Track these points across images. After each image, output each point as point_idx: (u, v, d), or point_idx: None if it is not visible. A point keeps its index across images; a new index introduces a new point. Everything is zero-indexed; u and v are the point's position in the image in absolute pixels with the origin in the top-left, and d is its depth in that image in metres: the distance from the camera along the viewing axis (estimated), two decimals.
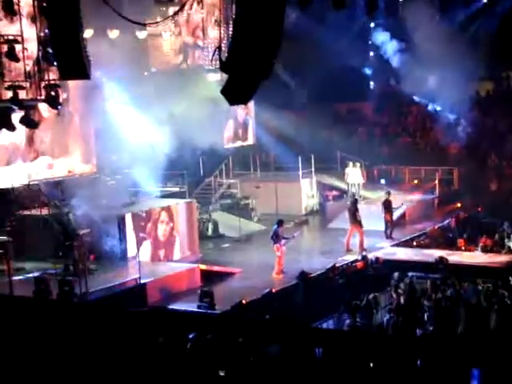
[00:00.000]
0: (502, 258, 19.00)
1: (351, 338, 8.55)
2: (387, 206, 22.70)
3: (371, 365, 7.59)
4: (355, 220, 21.16)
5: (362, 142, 30.51)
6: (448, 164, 28.63)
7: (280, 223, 19.15)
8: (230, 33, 6.93)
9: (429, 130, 31.25)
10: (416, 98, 30.67)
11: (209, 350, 7.87)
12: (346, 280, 17.15)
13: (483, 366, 6.65)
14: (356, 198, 23.28)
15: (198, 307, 15.87)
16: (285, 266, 18.62)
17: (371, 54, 32.54)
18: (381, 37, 30.38)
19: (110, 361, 7.47)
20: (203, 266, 19.24)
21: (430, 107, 30.33)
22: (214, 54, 7.92)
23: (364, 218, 21.46)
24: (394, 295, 16.03)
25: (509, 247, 21.04)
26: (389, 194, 23.05)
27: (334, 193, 27.45)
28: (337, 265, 18.50)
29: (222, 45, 6.97)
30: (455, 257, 19.55)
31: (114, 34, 21.09)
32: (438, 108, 29.99)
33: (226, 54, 6.59)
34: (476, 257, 20.05)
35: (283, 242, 18.76)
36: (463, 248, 21.21)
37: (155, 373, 7.33)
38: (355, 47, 28.82)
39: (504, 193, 26.68)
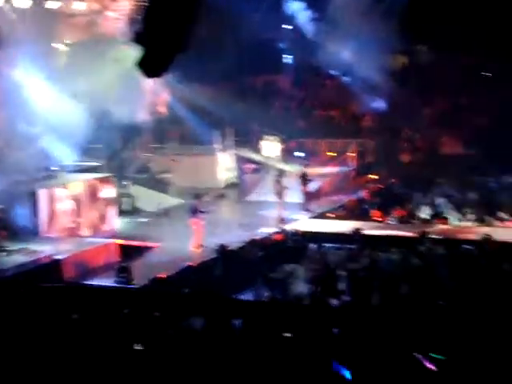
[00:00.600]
0: (414, 228, 19.52)
1: (269, 309, 8.71)
2: (303, 179, 23.01)
3: (289, 334, 7.74)
4: (280, 192, 21.47)
5: (278, 115, 30.66)
6: (363, 136, 29.16)
7: (197, 197, 19.13)
8: (144, 3, 6.84)
9: (344, 103, 31.65)
10: (332, 72, 30.94)
11: (125, 325, 7.84)
12: (265, 252, 17.31)
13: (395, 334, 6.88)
14: (282, 170, 23.46)
15: (115, 282, 15.73)
16: (203, 240, 18.63)
17: (286, 26, 32.52)
18: (295, 6, 30.35)
19: (25, 336, 7.36)
20: (120, 241, 19.05)
21: (345, 80, 30.64)
22: (127, 26, 7.81)
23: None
24: (312, 266, 16.33)
25: (420, 217, 21.73)
26: (305, 166, 23.35)
27: (252, 166, 27.58)
28: (255, 237, 18.64)
29: (136, 16, 6.90)
30: (370, 228, 20.04)
31: (25, 3, 20.33)
32: (353, 80, 30.32)
33: (140, 26, 6.50)
34: (390, 227, 20.58)
35: (201, 215, 18.75)
36: (378, 219, 21.75)
37: (70, 348, 7.26)
38: (271, 19, 28.81)
39: (416, 165, 27.45)
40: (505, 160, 25.69)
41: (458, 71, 28.54)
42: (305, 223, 21.11)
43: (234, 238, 18.99)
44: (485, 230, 18.90)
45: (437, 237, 18.00)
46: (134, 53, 6.86)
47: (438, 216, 21.56)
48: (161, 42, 6.32)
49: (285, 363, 7.13)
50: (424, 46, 31.25)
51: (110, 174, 22.18)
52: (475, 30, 27.47)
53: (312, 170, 24.78)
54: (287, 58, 33.11)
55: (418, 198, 23.34)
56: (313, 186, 24.23)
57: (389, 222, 21.30)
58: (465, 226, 20.47)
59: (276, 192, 21.59)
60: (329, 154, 28.93)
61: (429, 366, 6.47)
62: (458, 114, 29.31)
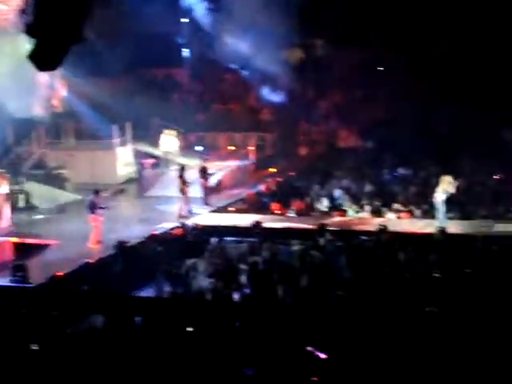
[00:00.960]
0: (313, 220, 19.85)
1: (171, 305, 8.66)
2: (203, 173, 22.99)
3: (191, 329, 7.72)
4: (183, 187, 21.38)
5: (177, 109, 30.48)
6: (262, 130, 29.39)
7: (96, 193, 18.81)
8: None
9: (243, 97, 31.81)
10: (230, 65, 31.00)
11: (22, 325, 7.63)
12: (165, 248, 17.21)
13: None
14: (183, 164, 23.30)
15: (11, 282, 15.25)
16: (102, 236, 18.35)
17: (184, 19, 32.37)
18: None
19: None
20: (15, 239, 18.47)
21: (243, 73, 30.76)
22: (18, 18, 7.56)
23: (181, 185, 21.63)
24: (212, 260, 16.35)
25: (319, 209, 22.13)
26: (205, 160, 23.32)
27: (151, 161, 27.31)
28: (155, 233, 18.50)
29: (27, 7, 6.66)
30: (270, 221, 20.25)
31: None
32: (251, 74, 30.47)
33: (31, 17, 6.29)
34: (290, 220, 20.86)
35: (100, 211, 18.46)
36: (278, 212, 21.99)
37: None
38: (168, 11, 28.56)
39: (314, 157, 27.92)
40: (399, 152, 26.55)
41: (353, 65, 29.17)
42: (205, 217, 21.10)
43: (134, 233, 18.76)
44: (380, 221, 19.45)
45: (335, 229, 18.40)
46: (26, 45, 6.64)
47: (336, 208, 21.99)
48: (53, 34, 6.13)
49: (188, 358, 7.11)
50: (321, 39, 31.73)
51: (3, 170, 21.44)
52: (370, 25, 28.18)
53: (212, 164, 24.77)
54: (186, 52, 32.97)
55: (316, 191, 23.75)
56: (213, 180, 24.24)
57: (288, 214, 21.56)
58: (362, 218, 20.98)
59: (178, 186, 21.49)
60: (229, 147, 29.02)
61: (320, 355, 6.62)
62: (354, 107, 29.98)
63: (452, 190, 18.57)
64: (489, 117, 26.02)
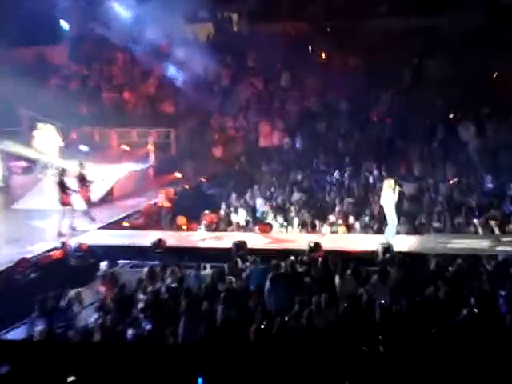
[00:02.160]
0: (229, 237, 19.90)
1: (46, 349, 8.53)
2: (82, 181, 22.35)
3: (73, 379, 7.63)
4: (64, 197, 21.07)
5: (55, 97, 29.97)
6: (165, 125, 29.25)
7: None
8: None
9: (140, 83, 31.59)
10: (124, 43, 30.67)
11: None
12: (40, 275, 16.95)
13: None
14: (63, 168, 22.86)
15: None
16: None
17: None
18: None
19: None
20: None
21: (139, 54, 30.53)
22: None
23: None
24: (102, 289, 16.16)
25: (237, 223, 22.20)
26: (82, 165, 22.72)
27: (22, 163, 26.78)
28: (27, 256, 18.19)
29: None
30: (176, 238, 20.18)
31: None
32: (148, 54, 30.25)
33: None
34: (200, 237, 20.85)
35: None
36: (184, 227, 21.94)
37: None
38: None
39: (230, 158, 27.96)
40: (335, 152, 26.88)
41: (276, 44, 29.40)
42: (92, 236, 20.89)
43: (0, 257, 18.39)
44: (312, 237, 19.63)
45: (256, 247, 18.51)
46: None
47: (257, 221, 22.14)
48: None
49: None
50: (235, 12, 31.89)
51: None
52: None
53: (100, 168, 24.50)
54: (64, 26, 32.49)
55: (232, 200, 23.81)
56: (101, 189, 23.98)
57: (198, 230, 21.55)
58: (289, 233, 21.20)
59: (57, 196, 21.16)
60: (122, 146, 28.75)
61: None
62: (279, 95, 30.21)
63: (395, 198, 18.94)
64: (442, 107, 26.71)
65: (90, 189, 22.62)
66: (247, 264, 17.03)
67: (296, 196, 23.88)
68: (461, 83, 26.41)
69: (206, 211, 22.54)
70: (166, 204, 23.40)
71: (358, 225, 21.37)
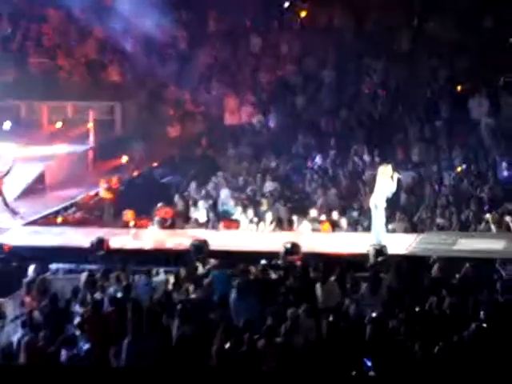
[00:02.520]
0: (187, 236, 19.88)
1: None
2: None
3: None
4: None
5: None
6: (108, 97, 29.12)
7: None
8: None
9: (76, 46, 31.27)
10: None
11: None
12: None
13: None
14: None
15: None
16: None
17: None
18: None
19: None
20: None
21: (75, 9, 30.15)
22: None
23: None
24: (29, 300, 16.08)
25: (197, 219, 22.16)
26: None
27: None
28: None
29: None
30: (122, 237, 20.15)
31: None
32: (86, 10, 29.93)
33: None
34: (151, 236, 20.83)
35: None
36: (132, 224, 21.92)
37: None
38: None
39: (188, 139, 27.91)
40: (316, 132, 26.89)
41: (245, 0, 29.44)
42: (16, 234, 20.80)
43: None
44: (289, 236, 19.66)
45: (221, 249, 18.50)
46: None
47: (222, 217, 22.16)
48: None
49: None
50: None
51: None
52: None
53: (25, 150, 24.40)
54: None
55: (192, 191, 23.76)
56: (24, 177, 23.81)
57: (149, 227, 21.52)
58: (261, 232, 21.23)
59: None
60: (55, 124, 28.58)
61: None
62: (248, 62, 30.17)
63: (393, 188, 18.89)
64: (447, 78, 26.79)
65: (3, 178, 22.26)
66: (209, 269, 17.00)
67: (269, 186, 23.88)
68: (470, 49, 26.52)
69: (159, 204, 22.46)
70: (109, 195, 23.33)
71: (344, 221, 21.34)
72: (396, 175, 19.05)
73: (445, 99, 26.33)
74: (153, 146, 27.27)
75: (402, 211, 21.04)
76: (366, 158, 24.55)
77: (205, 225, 22.03)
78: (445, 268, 16.21)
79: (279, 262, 17.22)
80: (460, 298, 14.64)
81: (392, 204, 19.36)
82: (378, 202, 18.80)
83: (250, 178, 24.67)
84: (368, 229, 19.94)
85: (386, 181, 18.83)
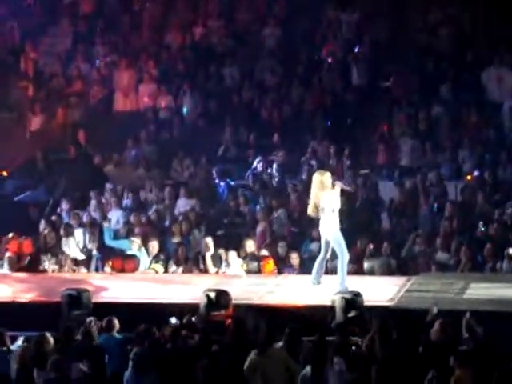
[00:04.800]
0: (56, 282, 19.83)
1: None
2: None
3: None
4: None
5: None
6: None
7: None
8: None
9: None
10: None
11: None
12: None
13: None
14: None
15: None
16: None
17: None
18: None
19: None
20: None
21: None
22: None
23: None
24: None
25: (72, 257, 22.10)
26: None
27: None
28: None
29: None
30: None
31: None
32: None
33: None
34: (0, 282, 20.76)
35: None
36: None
37: None
38: None
39: (56, 135, 28.05)
40: (260, 127, 27.06)
41: None
42: None
43: None
44: (212, 280, 19.73)
45: (107, 301, 18.59)
46: None
47: (109, 252, 22.26)
48: None
49: None
50: None
51: None
52: None
53: None
54: None
55: (63, 213, 23.87)
56: None
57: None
58: (169, 274, 21.36)
59: None
60: None
61: None
62: (149, 23, 30.45)
63: (336, 204, 18.70)
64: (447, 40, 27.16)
65: None
66: (93, 331, 16.85)
67: (182, 204, 23.95)
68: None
69: (11, 235, 22.37)
70: None
71: (296, 257, 21.36)
72: (338, 185, 18.78)
73: (445, 72, 26.53)
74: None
75: (383, 241, 21.04)
76: (331, 161, 24.59)
77: (84, 264, 21.99)
78: (450, 327, 16.15)
79: (197, 320, 17.13)
80: (476, 370, 14.57)
81: (368, 230, 19.35)
82: (333, 230, 18.68)
83: (153, 193, 24.62)
84: (333, 270, 19.89)
85: (325, 195, 18.64)
